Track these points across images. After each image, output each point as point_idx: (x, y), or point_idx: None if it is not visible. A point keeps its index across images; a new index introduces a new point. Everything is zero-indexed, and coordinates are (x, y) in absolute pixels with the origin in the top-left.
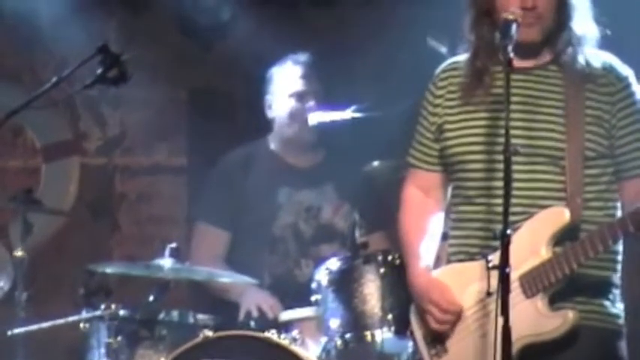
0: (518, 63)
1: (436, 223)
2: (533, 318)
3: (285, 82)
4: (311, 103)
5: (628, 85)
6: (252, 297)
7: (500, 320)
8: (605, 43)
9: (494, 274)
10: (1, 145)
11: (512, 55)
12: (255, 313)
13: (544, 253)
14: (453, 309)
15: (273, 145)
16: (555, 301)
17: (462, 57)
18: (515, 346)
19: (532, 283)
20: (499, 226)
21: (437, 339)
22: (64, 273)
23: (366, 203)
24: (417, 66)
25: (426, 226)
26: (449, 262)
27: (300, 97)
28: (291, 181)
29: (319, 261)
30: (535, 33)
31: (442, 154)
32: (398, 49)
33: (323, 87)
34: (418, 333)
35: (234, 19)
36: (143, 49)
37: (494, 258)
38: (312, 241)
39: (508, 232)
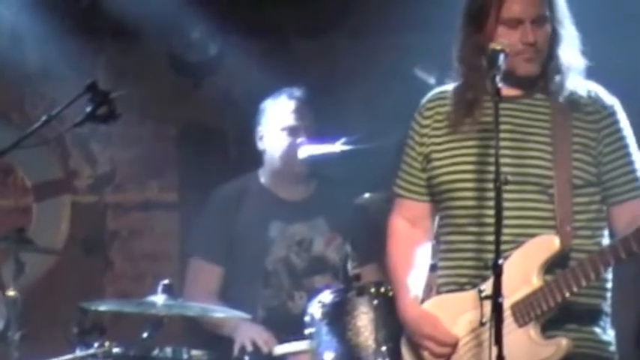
0: (505, 91)
1: (424, 253)
2: (526, 346)
3: (278, 115)
4: (302, 138)
5: (613, 113)
6: (246, 331)
7: (495, 350)
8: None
9: (487, 304)
10: None
11: (500, 85)
12: (249, 348)
13: (535, 281)
14: (450, 341)
15: (263, 179)
16: (547, 329)
17: (449, 86)
18: None
19: (524, 311)
20: (490, 256)
21: None
22: (58, 312)
23: (358, 235)
24: (408, 96)
25: (414, 257)
26: (438, 292)
27: (292, 131)
28: (283, 215)
29: (312, 293)
30: (535, 67)
31: (430, 184)
32: (388, 79)
33: (316, 123)
34: None
35: (222, 54)
36: (133, 86)
37: (487, 287)
38: (305, 274)
39: (500, 262)
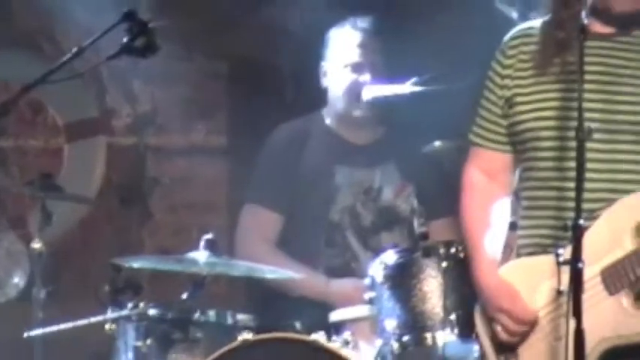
0: (599, 28)
1: (502, 210)
2: (616, 318)
3: (341, 49)
4: (366, 76)
5: None
6: (343, 291)
7: (573, 323)
8: None
9: (566, 270)
10: (20, 123)
11: (586, 22)
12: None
13: (628, 244)
14: (528, 318)
15: (328, 120)
16: None
17: (536, 22)
18: (596, 351)
19: (615, 278)
20: (572, 215)
21: (506, 343)
22: (89, 268)
23: (428, 187)
24: (488, 32)
25: (491, 215)
26: (518, 255)
27: (355, 68)
28: (350, 160)
29: (379, 252)
30: (633, 1)
31: (511, 132)
32: (466, 13)
33: (384, 60)
34: (484, 337)
35: None
36: (178, 16)
37: (566, 252)
38: (372, 229)
39: (581, 222)
